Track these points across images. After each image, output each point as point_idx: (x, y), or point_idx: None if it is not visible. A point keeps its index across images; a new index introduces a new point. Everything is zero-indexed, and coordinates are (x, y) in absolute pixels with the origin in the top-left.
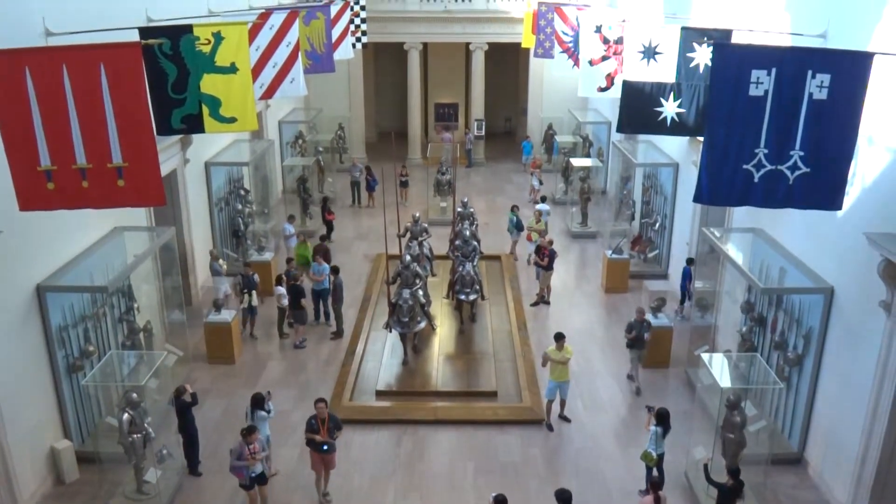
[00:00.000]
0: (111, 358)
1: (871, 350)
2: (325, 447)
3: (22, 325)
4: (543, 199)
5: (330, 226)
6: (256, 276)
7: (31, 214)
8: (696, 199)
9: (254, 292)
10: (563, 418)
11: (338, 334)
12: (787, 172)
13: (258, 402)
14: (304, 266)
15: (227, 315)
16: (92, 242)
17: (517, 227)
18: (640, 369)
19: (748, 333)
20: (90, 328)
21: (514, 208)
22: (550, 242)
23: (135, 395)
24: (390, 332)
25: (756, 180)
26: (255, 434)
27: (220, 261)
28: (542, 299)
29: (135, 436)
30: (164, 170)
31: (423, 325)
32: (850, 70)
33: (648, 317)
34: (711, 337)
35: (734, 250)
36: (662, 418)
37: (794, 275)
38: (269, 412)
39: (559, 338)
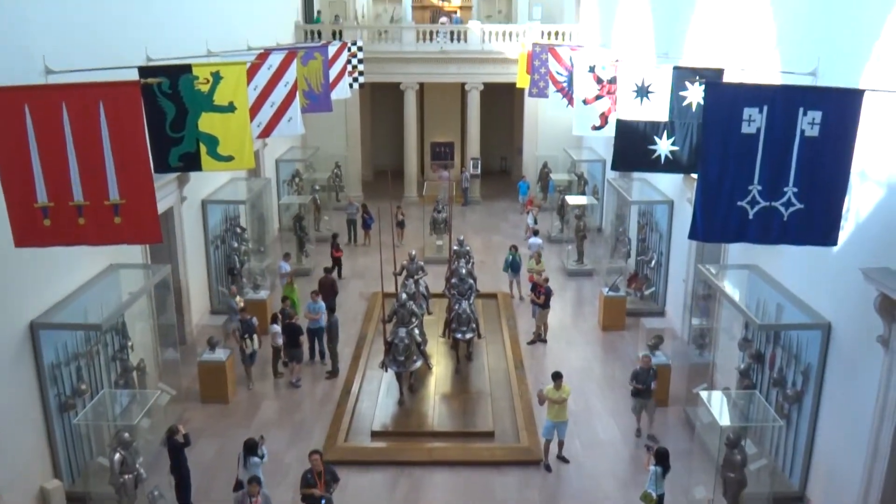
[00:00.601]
0: (103, 397)
1: (870, 386)
2: (323, 502)
3: (14, 363)
4: (536, 233)
5: (337, 262)
6: (255, 320)
7: (25, 250)
8: (692, 236)
9: (255, 336)
10: (562, 459)
11: (333, 373)
12: (782, 209)
13: (251, 447)
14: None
15: (221, 354)
16: (87, 279)
17: (512, 266)
18: (649, 418)
19: (746, 371)
20: (83, 366)
21: (513, 248)
22: (546, 280)
23: (127, 434)
24: (386, 371)
25: (751, 217)
26: (258, 487)
27: (238, 297)
28: (539, 337)
29: (126, 476)
30: (161, 207)
31: (419, 364)
32: (841, 107)
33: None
34: (710, 375)
35: (730, 287)
36: (662, 457)
37: (790, 311)
38: (262, 457)
39: (556, 377)
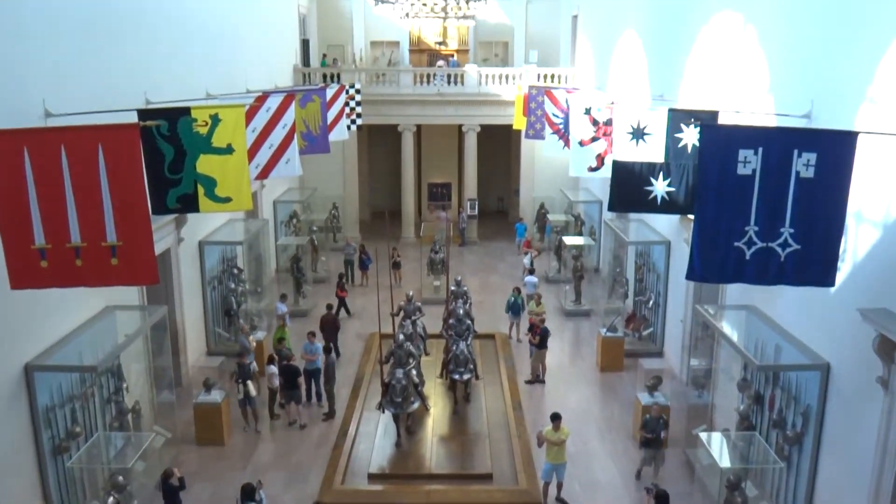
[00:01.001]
0: (98, 439)
1: (870, 427)
2: None
3: (8, 405)
4: (532, 273)
5: (342, 302)
6: (255, 365)
7: (20, 292)
8: (689, 276)
9: (249, 382)
10: (561, 501)
11: (330, 415)
12: (779, 249)
13: (249, 493)
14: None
15: (216, 395)
16: (83, 321)
17: (513, 308)
18: (656, 467)
19: (746, 412)
20: (77, 409)
21: (515, 290)
22: (542, 321)
23: (121, 477)
24: (383, 412)
25: (748, 257)
26: None
27: (251, 337)
28: (537, 378)
29: None
30: (158, 248)
31: (416, 405)
32: (835, 149)
33: (644, 398)
34: (709, 416)
35: (729, 328)
36: (662, 500)
37: (789, 351)
38: (259, 502)
39: (555, 418)
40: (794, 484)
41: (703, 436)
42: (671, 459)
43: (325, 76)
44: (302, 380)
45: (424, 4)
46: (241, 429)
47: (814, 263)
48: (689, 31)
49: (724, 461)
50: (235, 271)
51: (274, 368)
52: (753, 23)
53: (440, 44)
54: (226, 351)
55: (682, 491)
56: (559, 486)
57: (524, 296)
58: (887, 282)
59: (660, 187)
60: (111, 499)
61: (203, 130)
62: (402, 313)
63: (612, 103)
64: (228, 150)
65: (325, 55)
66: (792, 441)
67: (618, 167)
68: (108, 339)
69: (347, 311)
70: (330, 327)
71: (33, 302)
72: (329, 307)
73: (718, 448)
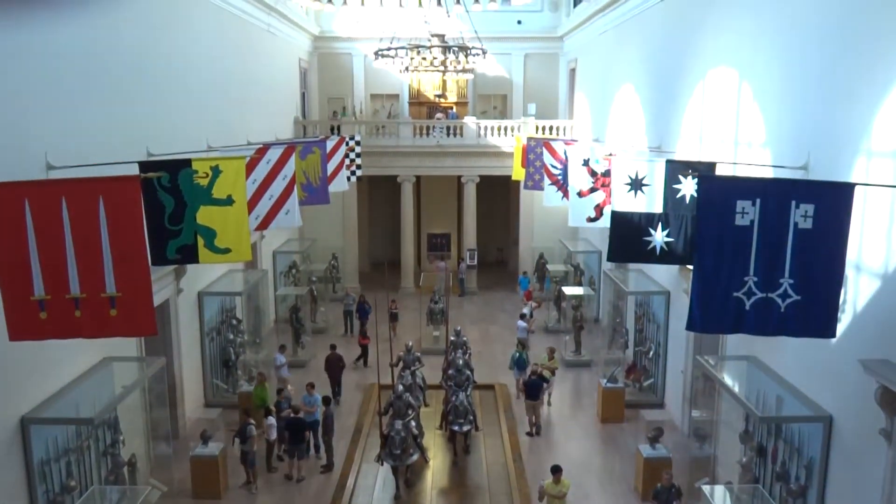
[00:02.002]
0: (93, 493)
1: (874, 479)
2: None
3: (3, 458)
4: (522, 317)
5: (365, 350)
6: (254, 429)
7: (17, 344)
8: (689, 326)
9: (248, 440)
10: None
11: (328, 467)
12: (778, 300)
13: None
14: (260, 408)
15: (214, 448)
16: (80, 373)
17: (518, 364)
18: None
19: (749, 464)
20: (73, 462)
21: (520, 346)
22: (536, 374)
23: None
24: (382, 465)
25: (747, 308)
26: None
27: (289, 387)
28: (537, 430)
29: None
30: (158, 299)
31: (415, 457)
32: (832, 200)
33: (646, 450)
34: (711, 468)
35: (730, 379)
36: None
37: (791, 403)
38: None
39: (556, 471)
40: None
41: (706, 489)
42: None
43: (332, 127)
44: (309, 433)
45: (424, 59)
46: (238, 482)
47: (814, 314)
48: (685, 85)
49: None
50: (234, 322)
51: (272, 420)
52: (748, 78)
53: (439, 96)
54: (224, 402)
55: None
56: None
57: (519, 338)
58: (888, 333)
59: (658, 238)
60: None
61: (204, 182)
62: (401, 364)
63: (611, 155)
64: (229, 201)
65: (344, 108)
66: (796, 494)
67: (617, 218)
68: (105, 391)
69: (365, 361)
70: (335, 366)
71: (31, 354)
72: (333, 347)
73: (721, 501)
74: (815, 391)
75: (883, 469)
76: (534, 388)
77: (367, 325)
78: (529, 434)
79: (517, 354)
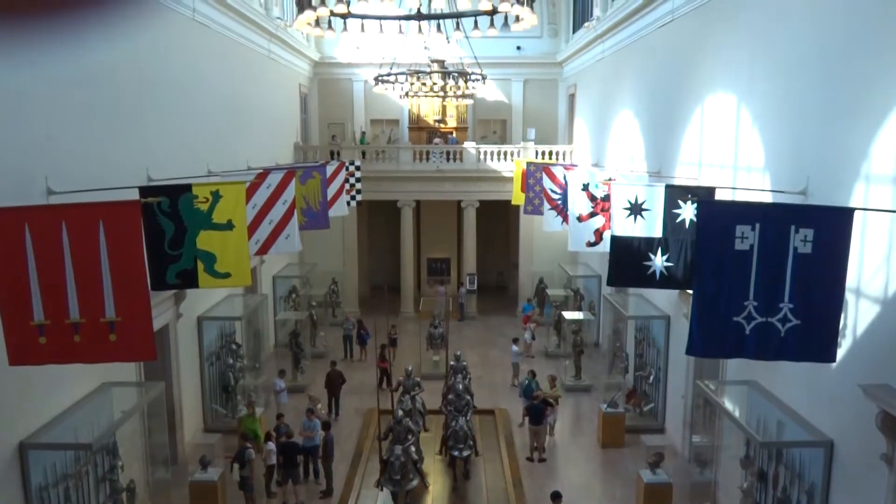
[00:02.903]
0: None
1: None
2: None
3: (1, 484)
4: (515, 341)
5: (385, 372)
6: (253, 453)
7: (16, 368)
8: (689, 351)
9: (246, 465)
10: None
11: (327, 493)
12: (778, 325)
13: None
14: (254, 439)
15: (213, 473)
16: (79, 398)
17: (526, 392)
18: None
19: (750, 490)
20: (71, 487)
21: (530, 374)
22: (536, 397)
23: None
24: (381, 490)
25: (747, 332)
26: None
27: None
28: (540, 457)
29: None
30: (157, 324)
31: (415, 482)
32: (832, 225)
33: (646, 475)
34: (712, 493)
35: (730, 404)
36: None
37: (792, 428)
38: None
39: (556, 497)
40: None
41: None
42: None
43: (332, 153)
44: (301, 457)
45: (423, 84)
46: None
47: (814, 338)
48: (683, 111)
49: None
50: (234, 347)
51: (272, 445)
52: (746, 103)
53: (439, 121)
54: (223, 428)
55: None
56: None
57: (512, 363)
58: (889, 357)
59: (658, 262)
60: None
61: (204, 207)
62: (400, 389)
63: (610, 179)
64: (229, 226)
65: (363, 132)
66: None
67: (616, 243)
68: (104, 416)
69: (389, 383)
70: (335, 382)
71: (29, 378)
72: (333, 364)
73: None
74: (815, 416)
75: (884, 494)
76: (536, 413)
77: (365, 351)
78: (530, 460)
79: (527, 382)
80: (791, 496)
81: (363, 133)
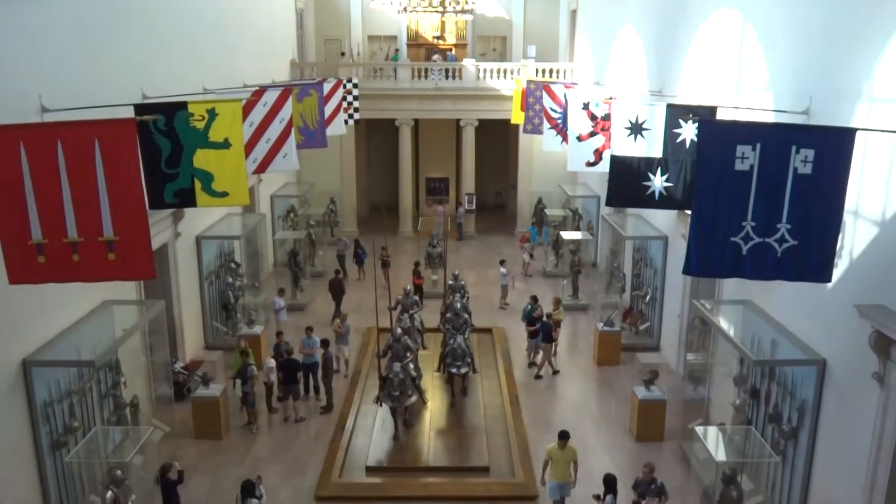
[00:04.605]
0: (96, 434)
1: (865, 422)
2: None
3: (6, 401)
4: (503, 263)
5: (419, 289)
6: (254, 369)
7: (17, 287)
8: (686, 271)
9: (249, 381)
10: None
11: (327, 409)
12: (775, 245)
13: (249, 489)
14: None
15: (214, 390)
16: (80, 316)
17: (529, 318)
18: None
19: (742, 406)
20: (75, 403)
21: (532, 299)
22: (548, 316)
23: (119, 472)
24: (381, 406)
25: (744, 253)
26: None
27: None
28: (553, 370)
29: None
30: (155, 243)
31: (413, 399)
32: (833, 145)
33: (641, 391)
34: (705, 410)
35: (725, 323)
36: (610, 485)
37: (785, 347)
38: (260, 497)
39: (563, 436)
40: (789, 478)
41: (699, 430)
42: (667, 453)
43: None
44: (300, 374)
45: None
46: (239, 423)
47: (811, 259)
48: (687, 27)
49: (720, 455)
50: (233, 266)
51: (272, 362)
52: (751, 20)
53: (438, 38)
54: (224, 345)
55: (678, 485)
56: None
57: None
58: (884, 278)
59: (657, 183)
60: (109, 493)
61: (200, 125)
62: (399, 307)
63: (611, 98)
64: (225, 144)
65: (396, 50)
66: (787, 436)
67: (616, 162)
68: (105, 334)
69: (421, 299)
70: (337, 289)
71: (31, 297)
72: (337, 272)
73: (714, 442)
74: (809, 335)
75: (874, 411)
76: (545, 331)
77: (363, 270)
78: (538, 377)
79: (529, 307)
80: (782, 413)
81: (396, 51)
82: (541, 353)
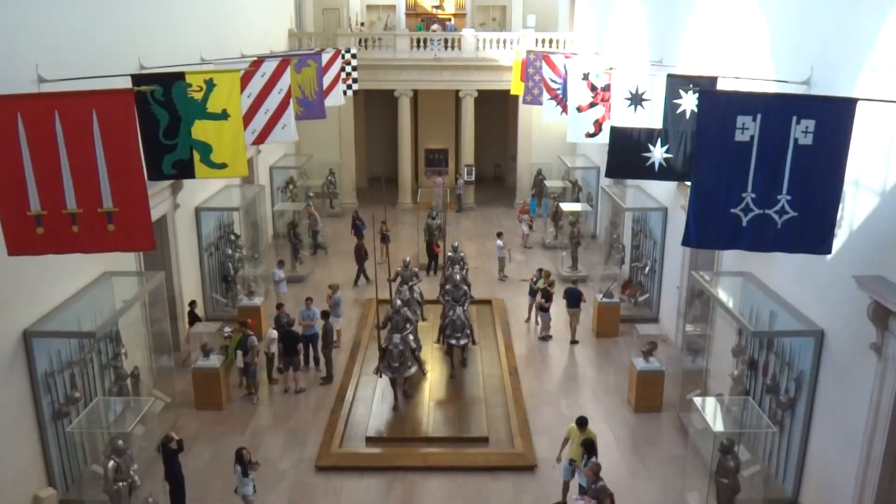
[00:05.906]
0: (97, 404)
1: (863, 393)
2: None
3: (7, 371)
4: (499, 235)
5: (434, 257)
6: (255, 340)
7: (18, 259)
8: (685, 242)
9: (249, 351)
10: None
11: (327, 380)
12: (775, 216)
13: (241, 457)
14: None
15: (214, 360)
16: (80, 287)
17: (532, 290)
18: None
19: (740, 377)
20: (77, 374)
21: (538, 271)
22: (574, 281)
23: (121, 441)
24: (381, 377)
25: (744, 224)
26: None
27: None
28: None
29: (120, 483)
30: (155, 215)
31: (413, 370)
32: (834, 116)
33: (639, 362)
34: (703, 381)
35: (724, 294)
36: (590, 447)
37: (784, 318)
38: (247, 475)
39: (582, 423)
40: (786, 448)
41: (697, 400)
42: (665, 423)
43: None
44: (300, 346)
45: None
46: (240, 393)
47: (810, 231)
48: None
49: (718, 425)
50: (232, 237)
51: (273, 334)
52: None
53: (437, 7)
54: (223, 317)
55: (675, 454)
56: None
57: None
58: (883, 249)
59: (657, 154)
60: (111, 462)
61: (198, 96)
62: (398, 279)
63: (611, 69)
64: (224, 115)
65: (422, 20)
66: (785, 406)
67: (616, 133)
68: (106, 305)
69: (435, 270)
70: (360, 253)
71: (31, 268)
72: (360, 235)
73: (712, 412)
74: (808, 306)
75: (871, 382)
76: (573, 297)
77: (363, 241)
78: (574, 342)
79: (537, 280)
80: (780, 383)
81: (422, 20)
82: (567, 319)
